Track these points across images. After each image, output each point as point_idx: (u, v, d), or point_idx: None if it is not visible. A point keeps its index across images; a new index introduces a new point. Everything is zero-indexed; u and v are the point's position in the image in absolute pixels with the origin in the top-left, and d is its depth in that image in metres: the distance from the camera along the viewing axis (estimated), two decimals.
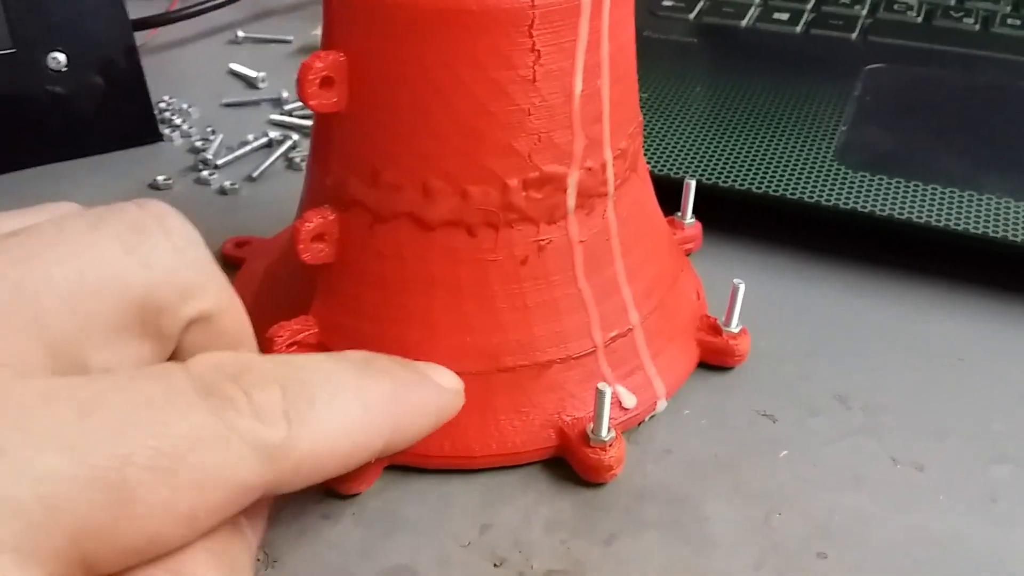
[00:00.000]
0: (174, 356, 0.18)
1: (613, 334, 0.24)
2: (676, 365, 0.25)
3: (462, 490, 0.23)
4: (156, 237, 0.17)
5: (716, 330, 0.26)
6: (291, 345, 0.23)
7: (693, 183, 0.30)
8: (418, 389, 0.20)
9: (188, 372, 0.15)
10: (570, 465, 0.23)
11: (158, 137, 0.39)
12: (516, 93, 0.21)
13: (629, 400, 0.24)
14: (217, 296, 0.18)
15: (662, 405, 0.25)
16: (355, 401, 0.18)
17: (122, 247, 0.16)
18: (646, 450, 0.24)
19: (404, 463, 0.23)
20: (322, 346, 0.24)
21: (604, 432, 0.22)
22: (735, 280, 0.25)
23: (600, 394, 0.22)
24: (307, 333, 0.24)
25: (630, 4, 0.23)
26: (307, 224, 0.23)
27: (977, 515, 0.22)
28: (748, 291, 0.25)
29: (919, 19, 0.43)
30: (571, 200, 0.23)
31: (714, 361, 0.26)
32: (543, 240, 0.23)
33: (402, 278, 0.23)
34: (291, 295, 0.25)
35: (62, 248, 0.16)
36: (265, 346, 0.23)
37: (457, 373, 0.22)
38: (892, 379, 0.26)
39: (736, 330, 0.26)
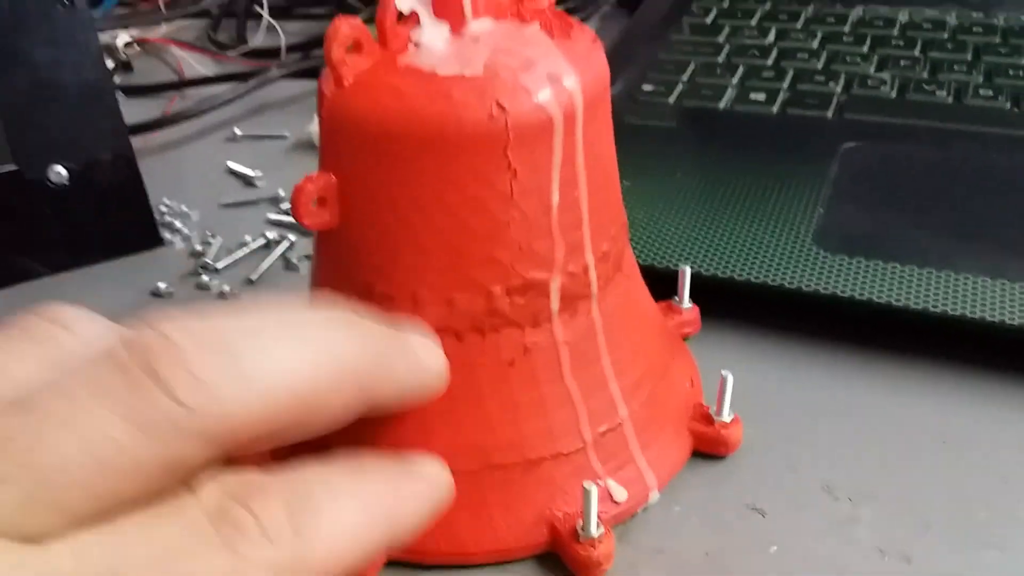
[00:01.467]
0: None
1: (602, 429, 0.24)
2: (668, 456, 0.26)
3: None
4: (159, 400, 0.16)
5: (708, 419, 0.26)
6: None
7: (688, 268, 0.30)
8: (410, 483, 0.21)
9: (200, 503, 0.16)
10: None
11: (159, 242, 0.39)
12: (496, 208, 0.22)
13: (620, 494, 0.24)
14: (248, 412, 0.17)
15: (654, 497, 0.25)
16: (354, 503, 0.19)
17: (136, 425, 0.15)
18: (638, 550, 0.24)
19: (404, 560, 0.23)
20: (324, 442, 0.24)
21: (592, 529, 0.23)
22: (723, 371, 0.26)
23: (587, 492, 0.22)
24: None
25: (606, 117, 0.24)
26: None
27: None
28: (736, 377, 0.26)
29: (893, 94, 0.44)
30: (554, 304, 0.23)
31: (707, 450, 0.26)
32: (528, 343, 0.23)
33: None
34: None
35: (71, 430, 0.15)
36: None
37: (450, 471, 0.22)
38: (877, 465, 0.26)
39: (728, 419, 0.26)
